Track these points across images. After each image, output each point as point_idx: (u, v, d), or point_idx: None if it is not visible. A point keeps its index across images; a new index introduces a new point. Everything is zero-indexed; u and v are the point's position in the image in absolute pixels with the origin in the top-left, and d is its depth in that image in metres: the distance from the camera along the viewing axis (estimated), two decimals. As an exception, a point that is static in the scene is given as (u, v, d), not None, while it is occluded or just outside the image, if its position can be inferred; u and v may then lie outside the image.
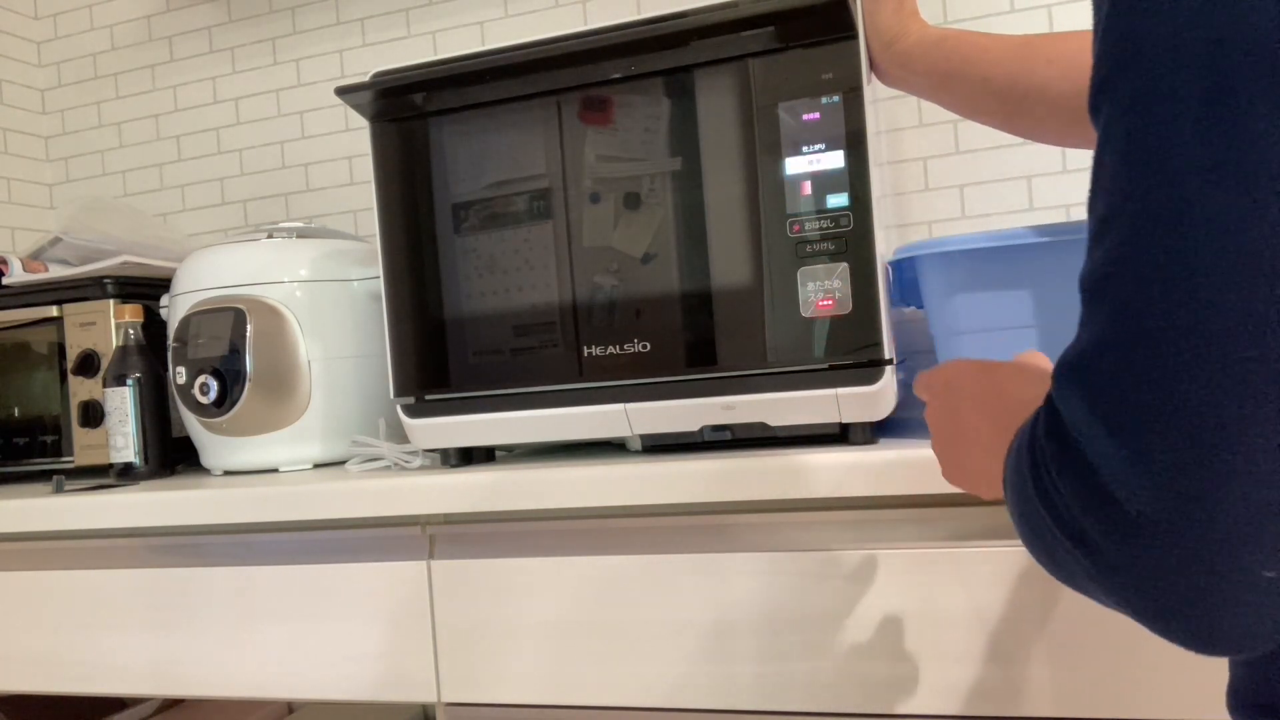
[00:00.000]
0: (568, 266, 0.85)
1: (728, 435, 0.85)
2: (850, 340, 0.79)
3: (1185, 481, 0.33)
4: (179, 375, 1.04)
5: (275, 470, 1.05)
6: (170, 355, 1.05)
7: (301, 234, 1.10)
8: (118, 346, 1.10)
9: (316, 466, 1.06)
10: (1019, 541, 0.71)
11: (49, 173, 1.62)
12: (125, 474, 1.08)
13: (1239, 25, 0.32)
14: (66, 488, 1.04)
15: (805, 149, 0.80)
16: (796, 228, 0.80)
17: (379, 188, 0.92)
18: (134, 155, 1.56)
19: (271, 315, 1.03)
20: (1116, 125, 0.35)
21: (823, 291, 0.79)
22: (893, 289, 0.89)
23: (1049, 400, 0.38)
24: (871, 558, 0.74)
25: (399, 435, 1.08)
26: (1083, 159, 1.12)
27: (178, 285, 1.07)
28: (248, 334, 1.02)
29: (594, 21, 1.29)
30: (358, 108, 0.92)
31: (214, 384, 1.02)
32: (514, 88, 0.87)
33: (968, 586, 0.71)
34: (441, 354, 0.90)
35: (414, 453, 0.96)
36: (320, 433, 1.05)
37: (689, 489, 0.76)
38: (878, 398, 0.78)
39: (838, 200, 0.79)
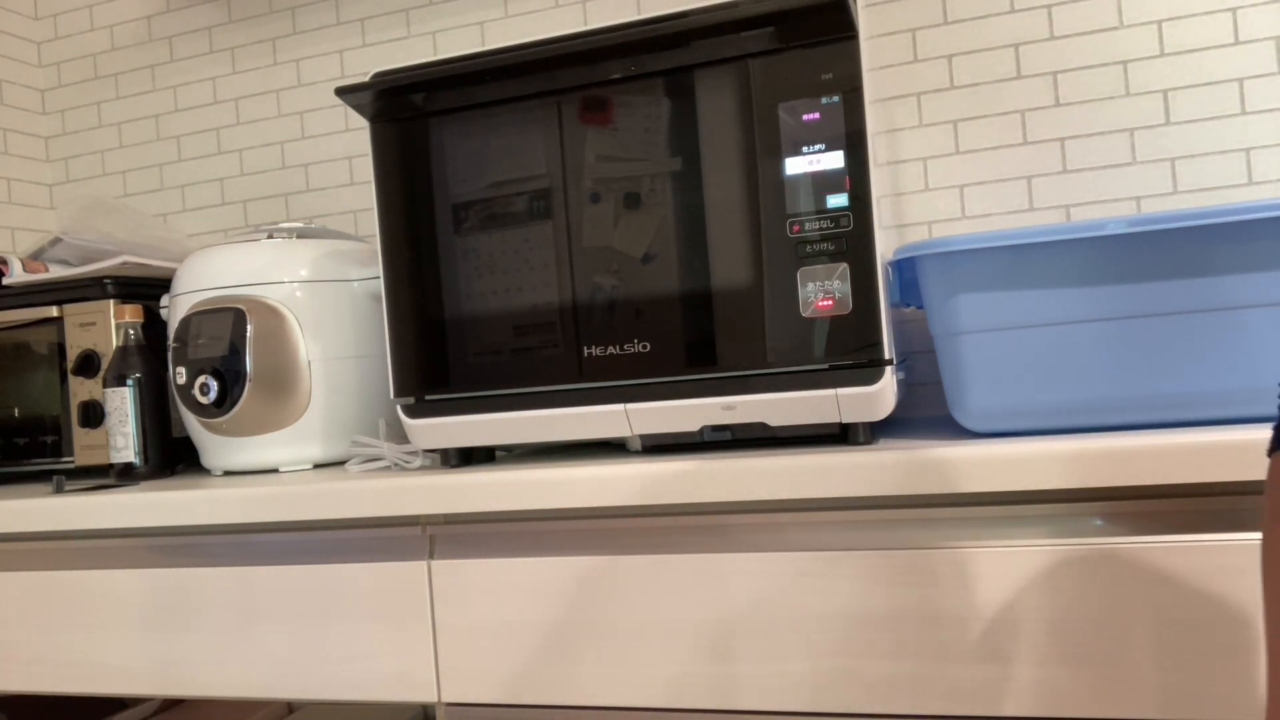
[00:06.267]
0: (568, 266, 0.85)
1: (728, 435, 0.85)
2: (850, 340, 0.79)
3: None
4: (179, 375, 1.04)
5: (275, 470, 1.05)
6: (170, 355, 1.05)
7: (301, 234, 1.10)
8: (118, 347, 1.10)
9: (316, 466, 1.06)
10: (1019, 541, 0.71)
11: (49, 173, 1.62)
12: (125, 474, 1.08)
13: None
14: (66, 488, 1.04)
15: (805, 149, 0.80)
16: (796, 228, 0.80)
17: (379, 188, 0.92)
18: (134, 155, 1.56)
19: (271, 315, 1.03)
20: None
21: (823, 291, 0.79)
22: (893, 289, 0.89)
23: None
24: (871, 558, 0.74)
25: (399, 435, 1.08)
26: (1081, 159, 1.12)
27: (178, 285, 1.07)
28: (248, 334, 1.02)
29: (594, 21, 1.29)
30: (358, 108, 0.92)
31: (214, 384, 1.02)
32: (514, 88, 0.87)
33: (968, 586, 0.71)
34: (441, 354, 0.90)
35: (414, 453, 0.96)
36: (320, 433, 1.05)
37: (689, 489, 0.76)
38: (878, 398, 0.78)
39: (837, 200, 0.79)
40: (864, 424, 0.80)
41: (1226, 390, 0.73)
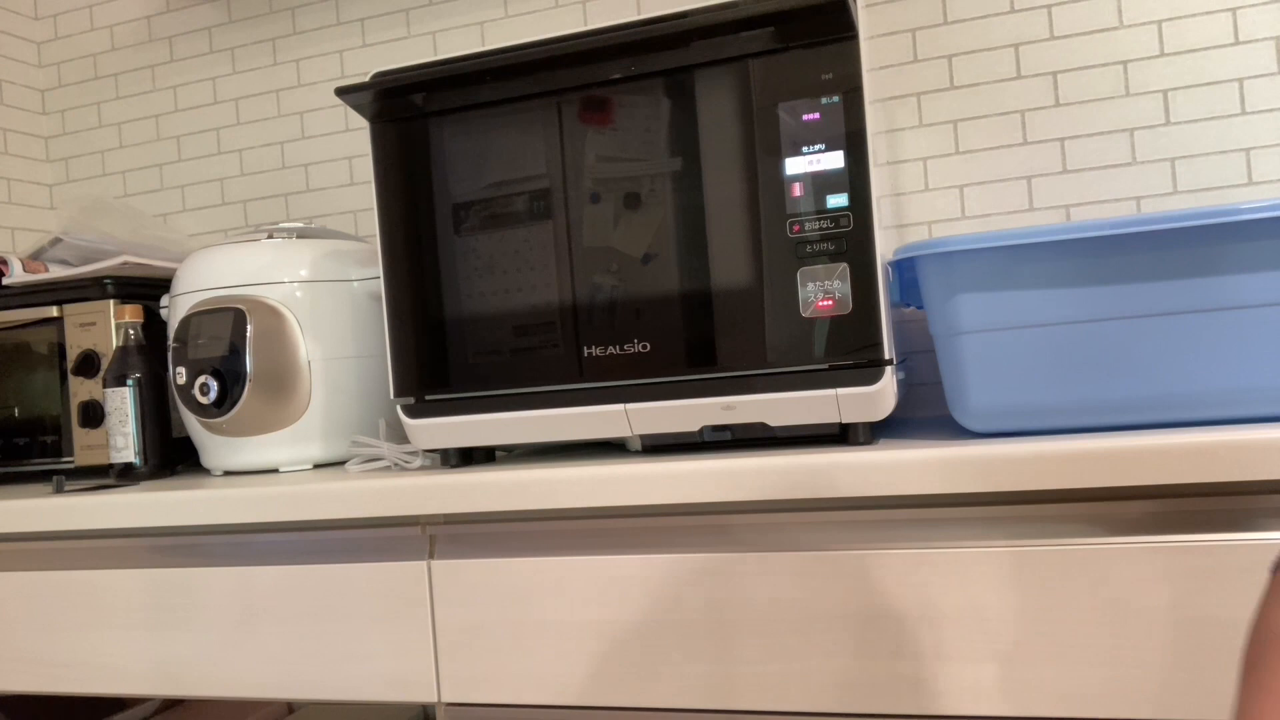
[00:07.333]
0: (568, 267, 0.85)
1: (728, 435, 0.85)
2: (850, 340, 0.79)
3: None
4: (179, 375, 1.04)
5: (275, 470, 1.05)
6: (170, 355, 1.05)
7: (301, 234, 1.10)
8: (118, 347, 1.10)
9: (316, 467, 1.06)
10: (1018, 541, 0.71)
11: (49, 173, 1.62)
12: (125, 474, 1.08)
13: None
14: (66, 488, 1.04)
15: (805, 149, 0.80)
16: (796, 228, 0.80)
17: (379, 188, 0.92)
18: (134, 155, 1.56)
19: (271, 315, 1.03)
20: None
21: (823, 291, 0.79)
22: (893, 289, 0.89)
23: None
24: (871, 558, 0.74)
25: (399, 435, 1.08)
26: (1081, 159, 1.12)
27: (178, 285, 1.07)
28: (248, 334, 1.02)
29: (594, 21, 1.29)
30: (358, 108, 0.92)
31: (214, 384, 1.02)
32: (514, 88, 0.87)
33: (968, 586, 0.71)
34: (441, 354, 0.90)
35: (414, 453, 0.96)
36: (320, 433, 1.05)
37: (689, 489, 0.76)
38: (878, 398, 0.78)
39: (837, 200, 0.79)
40: (864, 424, 0.80)
41: (1226, 390, 0.73)
